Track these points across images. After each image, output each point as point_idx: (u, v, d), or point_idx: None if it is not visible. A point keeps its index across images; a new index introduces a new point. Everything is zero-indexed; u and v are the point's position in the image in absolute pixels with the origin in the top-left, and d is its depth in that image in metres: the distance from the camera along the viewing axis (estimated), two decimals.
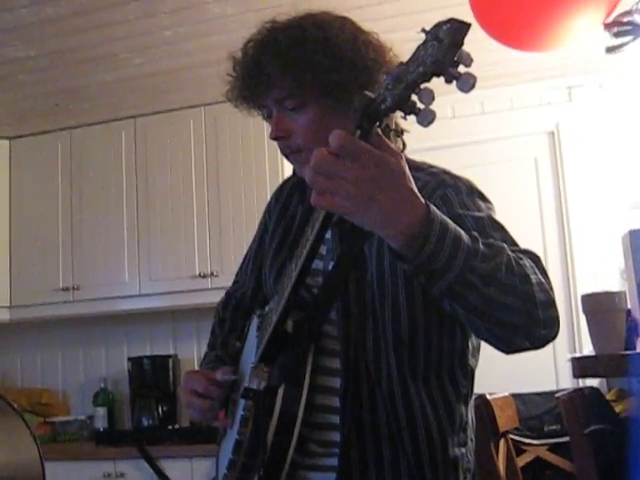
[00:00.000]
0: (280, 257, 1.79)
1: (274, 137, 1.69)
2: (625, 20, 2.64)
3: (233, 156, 4.46)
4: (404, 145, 1.72)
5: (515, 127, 4.50)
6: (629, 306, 1.87)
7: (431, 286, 1.28)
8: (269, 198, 2.01)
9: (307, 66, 1.61)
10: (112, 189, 4.71)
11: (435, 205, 1.52)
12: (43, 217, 4.83)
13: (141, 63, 4.03)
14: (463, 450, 1.63)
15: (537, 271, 1.39)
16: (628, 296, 1.88)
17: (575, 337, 4.23)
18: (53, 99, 4.45)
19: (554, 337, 1.42)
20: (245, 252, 2.06)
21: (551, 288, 1.41)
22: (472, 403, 1.71)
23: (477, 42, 3.49)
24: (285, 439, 1.51)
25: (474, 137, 4.52)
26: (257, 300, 1.90)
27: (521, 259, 1.38)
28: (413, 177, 1.50)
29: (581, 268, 4.27)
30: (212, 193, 4.51)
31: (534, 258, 1.44)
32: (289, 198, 1.89)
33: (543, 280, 1.39)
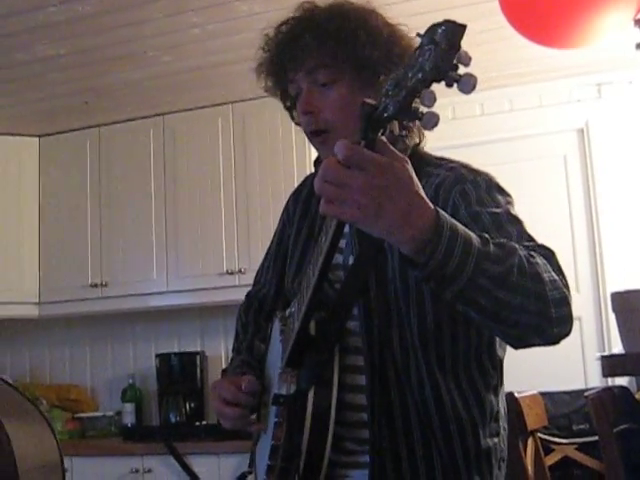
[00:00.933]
0: (304, 258, 1.78)
1: (304, 111, 1.68)
2: None
3: (261, 153, 4.47)
4: (420, 139, 1.71)
5: (544, 125, 4.47)
6: None
7: (442, 291, 1.29)
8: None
9: (346, 38, 1.62)
10: (140, 186, 4.73)
11: (453, 201, 1.54)
12: (72, 214, 4.86)
13: (169, 61, 4.04)
14: (496, 440, 1.63)
15: (550, 268, 1.39)
16: None
17: (604, 335, 4.20)
18: (82, 97, 4.48)
19: (567, 334, 1.41)
20: (265, 253, 2.06)
21: (565, 285, 1.40)
22: (503, 392, 1.70)
23: (505, 39, 3.52)
24: (320, 440, 1.52)
25: (502, 135, 4.50)
26: (279, 300, 1.90)
27: (534, 257, 1.37)
28: (432, 173, 1.48)
29: (610, 266, 4.24)
30: (240, 190, 4.52)
31: (548, 255, 1.44)
32: (309, 197, 1.88)
33: (556, 277, 1.38)
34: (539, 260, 1.38)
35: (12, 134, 4.91)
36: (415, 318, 1.58)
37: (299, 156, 4.31)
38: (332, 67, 1.64)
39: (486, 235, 1.32)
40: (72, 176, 4.90)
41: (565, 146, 4.47)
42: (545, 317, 1.35)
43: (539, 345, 1.41)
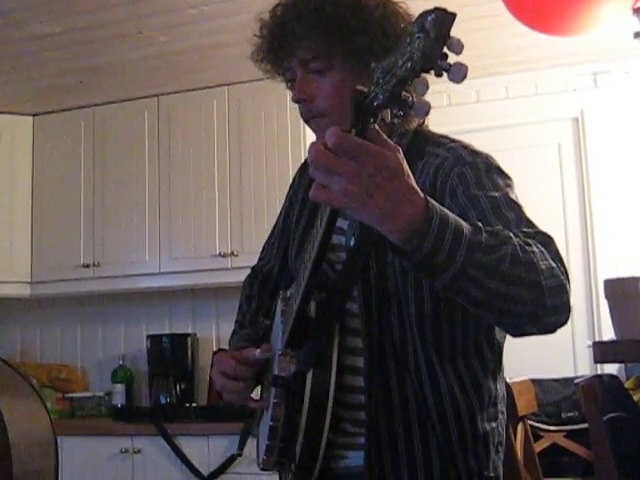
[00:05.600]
0: (307, 236, 1.75)
1: (297, 99, 1.68)
2: None
3: (256, 136, 4.46)
4: (420, 122, 1.70)
5: (539, 113, 4.48)
6: None
7: (432, 281, 1.29)
8: (292, 177, 2.01)
9: (338, 27, 1.61)
10: (134, 167, 4.73)
11: (452, 184, 1.53)
12: (65, 194, 4.86)
13: (165, 41, 4.03)
14: (494, 425, 1.64)
15: (547, 256, 1.37)
16: None
17: (595, 323, 4.22)
18: (77, 76, 4.46)
19: (564, 323, 1.40)
20: (272, 227, 2.06)
21: (563, 272, 1.39)
22: (502, 377, 1.71)
23: (503, 26, 3.52)
24: (319, 421, 1.53)
25: (498, 122, 4.49)
26: (283, 277, 1.90)
27: (530, 245, 1.36)
28: (432, 153, 1.47)
29: (602, 254, 4.25)
30: (234, 173, 4.52)
31: (547, 241, 1.42)
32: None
33: (554, 265, 1.37)
34: (535, 248, 1.36)
35: (6, 112, 4.89)
36: (413, 302, 1.58)
37: (294, 139, 4.30)
38: (325, 56, 1.64)
39: (479, 224, 1.30)
40: (66, 156, 4.88)
41: (560, 135, 4.48)
42: (540, 306, 1.34)
43: (535, 334, 1.40)
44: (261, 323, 1.90)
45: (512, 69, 4.38)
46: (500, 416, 1.67)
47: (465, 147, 1.66)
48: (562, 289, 1.36)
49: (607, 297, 1.89)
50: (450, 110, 4.34)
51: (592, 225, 4.30)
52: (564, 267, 1.40)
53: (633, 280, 1.92)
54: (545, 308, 1.34)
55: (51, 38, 3.93)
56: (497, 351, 1.67)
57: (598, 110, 4.36)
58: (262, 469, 1.69)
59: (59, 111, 4.93)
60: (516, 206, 1.53)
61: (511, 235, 1.34)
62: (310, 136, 1.81)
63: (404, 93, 1.08)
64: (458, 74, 1.04)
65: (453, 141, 1.68)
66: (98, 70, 4.38)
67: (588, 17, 2.57)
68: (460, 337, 1.60)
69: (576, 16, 2.57)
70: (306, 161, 1.93)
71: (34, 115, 4.97)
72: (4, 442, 0.94)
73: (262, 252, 2.07)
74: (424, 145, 1.62)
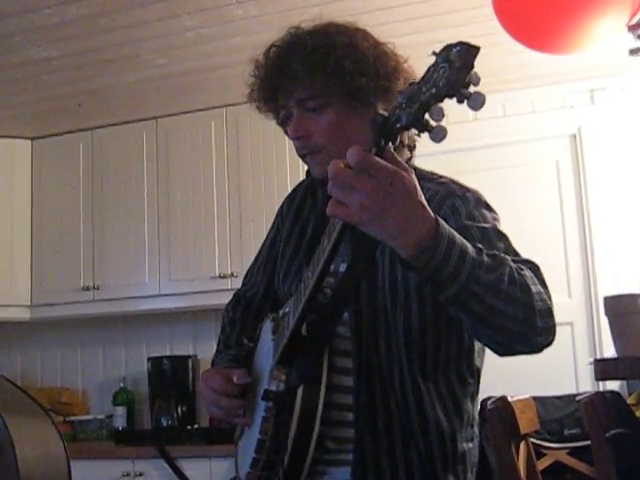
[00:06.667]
0: (296, 262, 1.85)
1: (295, 137, 1.75)
2: None
3: (254, 157, 4.48)
4: (412, 154, 1.78)
5: (537, 130, 4.49)
6: None
7: (438, 294, 1.36)
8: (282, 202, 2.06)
9: (334, 69, 1.68)
10: (133, 190, 4.74)
11: (444, 214, 1.62)
12: (64, 217, 4.86)
13: (163, 64, 4.05)
14: (470, 445, 1.71)
15: (537, 281, 1.47)
16: None
17: (596, 341, 4.21)
18: (75, 99, 4.48)
19: (550, 344, 1.49)
20: (256, 255, 2.11)
21: (549, 297, 1.48)
22: (477, 400, 1.78)
23: (499, 45, 3.53)
24: (305, 437, 1.58)
25: (496, 140, 4.51)
26: (267, 302, 1.98)
27: (522, 270, 1.45)
28: (422, 187, 1.57)
29: (602, 271, 4.25)
30: (233, 194, 4.53)
31: (534, 268, 1.51)
32: (302, 202, 1.96)
33: (542, 290, 1.46)
34: (527, 273, 1.45)
35: (4, 136, 4.90)
36: (401, 326, 1.66)
37: (292, 160, 4.31)
38: (321, 95, 1.71)
39: (480, 246, 1.39)
40: (65, 179, 4.89)
41: (558, 152, 4.49)
42: (531, 326, 1.42)
43: (523, 353, 1.49)
44: (245, 345, 1.95)
45: (509, 87, 4.39)
46: (475, 439, 1.75)
47: (455, 182, 1.76)
48: (550, 312, 1.47)
49: (607, 314, 1.90)
50: (448, 128, 4.34)
51: (591, 242, 4.30)
52: (549, 293, 1.49)
53: (632, 297, 1.93)
54: (535, 328, 1.43)
55: (49, 62, 3.95)
56: (476, 375, 1.76)
57: (595, 127, 4.37)
58: None
59: (57, 134, 4.94)
60: (504, 237, 1.62)
61: (508, 258, 1.43)
62: None
63: (425, 118, 1.16)
64: (477, 102, 1.14)
65: (442, 177, 1.78)
66: (96, 93, 4.40)
67: (584, 35, 2.58)
68: (443, 361, 1.68)
69: (572, 34, 2.58)
70: (293, 192, 2.04)
71: (32, 139, 4.99)
72: (13, 475, 0.93)
73: (245, 278, 2.12)
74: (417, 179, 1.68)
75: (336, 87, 1.69)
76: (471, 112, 4.40)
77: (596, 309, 4.20)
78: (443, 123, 1.17)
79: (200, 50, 3.89)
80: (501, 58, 3.93)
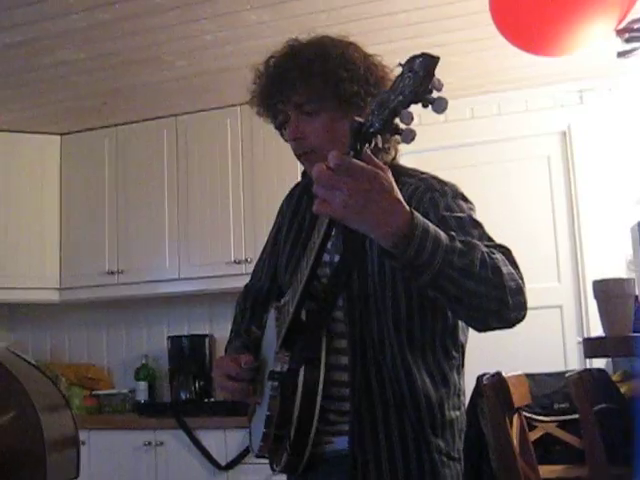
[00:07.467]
0: (294, 255, 1.89)
1: (292, 137, 1.79)
2: (636, 27, 2.63)
3: (266, 152, 4.47)
4: (396, 153, 1.83)
5: (529, 127, 4.47)
6: (637, 292, 1.87)
7: (415, 279, 1.40)
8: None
9: (329, 76, 1.73)
10: (155, 181, 4.74)
11: (424, 207, 1.66)
12: (91, 207, 4.87)
13: (183, 65, 4.05)
14: (457, 413, 1.75)
15: (508, 263, 1.51)
16: (636, 283, 1.88)
17: (583, 322, 4.21)
18: (102, 98, 4.48)
19: (522, 319, 1.53)
20: (262, 250, 2.15)
21: (521, 277, 1.52)
22: (463, 373, 1.81)
23: (495, 48, 3.53)
24: (309, 411, 1.63)
25: (491, 136, 4.49)
26: (272, 292, 2.00)
27: (494, 253, 1.49)
28: (406, 182, 1.64)
29: (590, 259, 4.24)
30: (247, 186, 4.53)
31: (506, 252, 1.56)
32: (299, 201, 2.00)
33: (513, 271, 1.51)
34: (498, 256, 1.50)
35: (36, 132, 4.91)
36: (390, 308, 1.70)
37: None
38: (317, 100, 1.75)
39: (453, 233, 1.43)
40: (91, 171, 4.90)
41: (549, 148, 4.48)
42: (503, 303, 1.46)
43: (498, 328, 1.53)
44: (254, 332, 1.97)
45: (503, 87, 4.38)
46: (462, 407, 1.78)
47: (434, 178, 1.79)
48: (521, 290, 1.50)
49: (595, 297, 1.90)
50: (447, 126, 4.34)
51: (580, 231, 4.30)
52: (520, 273, 1.54)
53: (619, 281, 1.94)
54: (507, 305, 1.47)
55: (76, 63, 3.95)
56: (461, 350, 1.79)
57: (584, 125, 4.36)
58: (257, 456, 1.78)
59: (84, 130, 4.95)
60: (479, 225, 1.66)
61: (479, 244, 1.48)
62: None
63: (395, 122, 1.21)
64: (440, 106, 1.18)
65: (423, 173, 1.82)
66: (120, 92, 4.40)
67: (574, 39, 2.58)
68: (429, 338, 1.72)
69: (563, 38, 2.58)
70: (291, 192, 2.08)
71: (61, 134, 4.99)
72: (40, 439, 0.95)
73: (253, 272, 2.15)
74: (398, 176, 1.71)
75: (330, 93, 1.74)
76: (467, 110, 4.41)
77: (584, 293, 4.20)
78: (412, 125, 1.21)
79: (217, 52, 3.89)
80: (497, 61, 3.92)
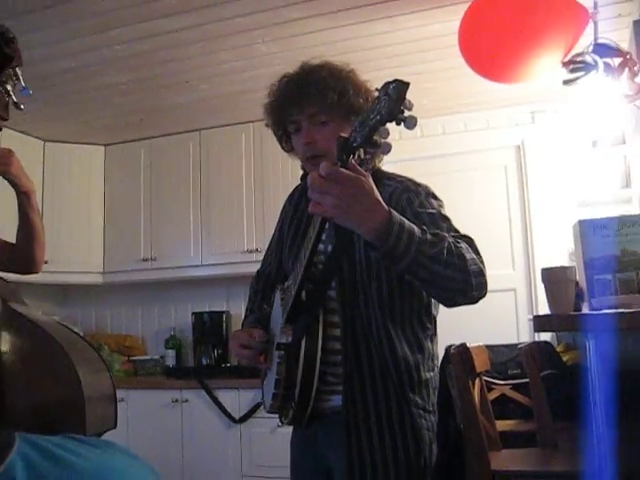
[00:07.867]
0: (295, 245, 1.89)
1: (306, 142, 1.78)
2: (579, 59, 2.62)
3: (274, 161, 4.46)
4: (378, 162, 1.82)
5: (490, 142, 4.46)
6: (577, 278, 1.88)
7: (394, 266, 1.44)
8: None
9: (340, 91, 1.74)
10: (182, 184, 4.73)
11: (402, 205, 1.68)
12: (129, 206, 4.86)
13: (205, 88, 4.04)
14: (432, 374, 1.76)
15: (471, 250, 1.54)
16: (577, 271, 1.88)
17: (533, 303, 4.21)
18: (139, 115, 4.47)
19: (484, 296, 1.56)
20: (269, 241, 2.15)
21: (482, 262, 1.55)
22: (437, 341, 1.82)
23: (462, 76, 3.52)
24: (310, 374, 1.65)
25: (459, 149, 4.48)
26: (279, 277, 2.01)
27: (459, 243, 1.52)
28: (386, 184, 1.67)
29: (539, 250, 4.24)
30: (257, 188, 4.53)
31: (469, 241, 1.59)
32: (299, 201, 2.00)
33: (475, 257, 1.53)
34: (463, 245, 1.53)
35: (84, 143, 4.90)
36: (375, 289, 1.71)
37: None
38: (328, 112, 1.75)
39: (425, 228, 1.47)
40: (129, 176, 4.89)
41: (506, 159, 4.46)
42: (467, 283, 1.50)
43: (464, 304, 1.56)
44: (265, 309, 1.99)
45: (469, 108, 4.37)
46: (436, 369, 1.80)
47: (410, 180, 1.80)
48: (481, 272, 1.53)
49: (543, 282, 1.91)
50: (422, 140, 4.33)
51: (531, 227, 4.29)
52: (481, 258, 1.56)
53: (562, 269, 1.94)
54: (470, 285, 1.50)
55: (118, 86, 3.94)
56: (433, 322, 1.80)
57: (535, 140, 4.35)
58: (268, 412, 1.79)
59: (124, 142, 4.93)
60: (447, 219, 1.68)
61: (447, 236, 1.50)
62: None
63: (375, 137, 1.23)
64: (411, 123, 1.19)
65: (400, 176, 1.83)
66: (154, 110, 4.39)
67: (528, 69, 2.57)
68: (407, 313, 1.73)
69: (518, 68, 2.57)
70: (292, 192, 2.09)
71: (105, 145, 4.98)
72: (80, 394, 0.94)
73: (263, 260, 2.16)
74: (380, 179, 1.75)
75: (339, 105, 1.74)
76: (440, 127, 4.37)
77: (534, 278, 4.20)
78: (389, 140, 1.22)
79: (234, 78, 3.89)
80: (465, 86, 3.91)
